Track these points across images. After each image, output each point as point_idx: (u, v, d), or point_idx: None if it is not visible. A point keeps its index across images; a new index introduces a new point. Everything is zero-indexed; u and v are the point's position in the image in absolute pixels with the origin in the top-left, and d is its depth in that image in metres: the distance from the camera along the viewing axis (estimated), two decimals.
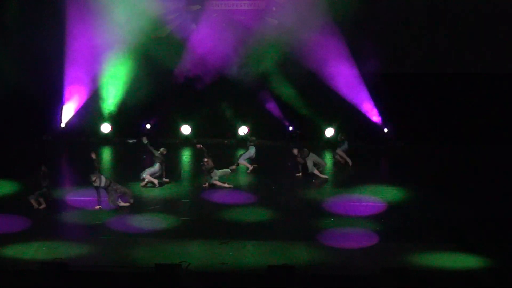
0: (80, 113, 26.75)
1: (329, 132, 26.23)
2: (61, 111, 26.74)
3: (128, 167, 23.59)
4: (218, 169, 22.09)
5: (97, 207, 20.19)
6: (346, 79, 26.50)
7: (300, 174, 23.08)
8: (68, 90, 26.65)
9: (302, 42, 25.94)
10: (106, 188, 20.04)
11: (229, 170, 22.27)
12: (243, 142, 24.91)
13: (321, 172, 23.01)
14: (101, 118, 26.76)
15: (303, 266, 16.69)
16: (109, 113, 26.76)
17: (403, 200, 21.30)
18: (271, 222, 19.69)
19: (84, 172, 20.77)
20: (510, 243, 18.18)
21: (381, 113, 26.70)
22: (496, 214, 20.05)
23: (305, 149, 22.97)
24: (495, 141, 25.94)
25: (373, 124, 26.74)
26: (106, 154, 26.06)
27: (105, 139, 26.64)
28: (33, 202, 20.09)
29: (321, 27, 25.72)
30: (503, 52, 26.73)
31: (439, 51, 26.70)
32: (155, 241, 18.19)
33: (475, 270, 16.75)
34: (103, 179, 20.10)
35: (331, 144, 25.28)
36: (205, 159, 21.85)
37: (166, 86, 26.31)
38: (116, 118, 26.75)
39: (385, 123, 26.67)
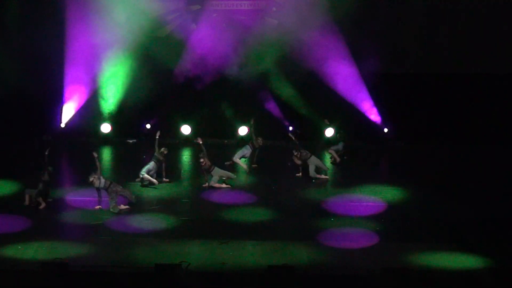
0: (80, 113, 26.74)
1: (329, 132, 26.21)
2: (61, 111, 26.73)
3: (128, 167, 23.57)
4: (219, 168, 22.05)
5: (97, 207, 20.18)
6: (346, 79, 26.50)
7: (300, 174, 23.08)
8: (68, 90, 26.63)
9: (302, 42, 25.93)
10: (106, 189, 20.02)
11: (231, 175, 22.17)
12: (243, 142, 24.98)
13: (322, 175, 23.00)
14: (101, 118, 26.76)
15: (303, 266, 16.69)
16: (109, 113, 26.76)
17: (403, 200, 21.30)
18: (271, 222, 19.69)
19: (84, 172, 20.76)
20: (510, 243, 18.18)
21: (381, 113, 26.70)
22: (496, 214, 20.05)
23: (306, 151, 22.91)
24: (495, 141, 25.93)
25: (373, 124, 26.74)
26: (106, 154, 26.07)
27: (105, 139, 26.64)
28: (27, 198, 20.09)
29: (321, 27, 25.72)
30: (503, 52, 26.73)
31: (439, 51, 26.70)
32: (155, 241, 18.19)
33: (475, 270, 16.75)
34: (103, 180, 20.07)
35: (331, 144, 25.24)
36: (201, 160, 21.84)
37: (166, 86, 26.30)
38: (116, 118, 26.74)
39: (385, 123, 26.67)
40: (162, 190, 21.82)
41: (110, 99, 26.70)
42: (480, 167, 24.09)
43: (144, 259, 17.06)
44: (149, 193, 21.53)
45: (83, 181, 20.99)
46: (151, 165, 22.06)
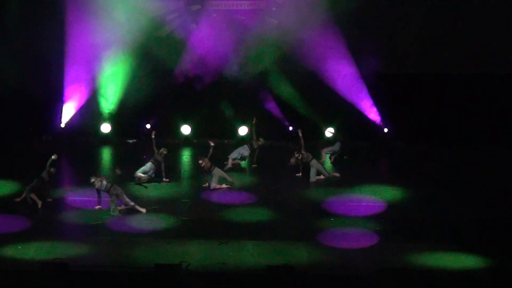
0: (80, 113, 26.75)
1: (329, 132, 26.17)
2: (61, 111, 26.74)
3: (128, 167, 23.54)
4: (219, 168, 22.05)
5: (97, 207, 20.18)
6: (346, 79, 26.51)
7: (300, 174, 23.07)
8: (68, 90, 26.64)
9: (302, 42, 25.93)
10: (107, 191, 19.98)
11: (230, 180, 22.12)
12: (243, 142, 24.99)
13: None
14: (101, 118, 26.76)
15: (303, 266, 16.69)
16: (109, 113, 26.77)
17: (403, 200, 21.30)
18: (271, 222, 19.69)
19: (84, 172, 20.76)
20: (510, 243, 18.18)
21: (381, 113, 26.70)
22: (496, 214, 20.05)
23: (308, 153, 22.85)
24: (495, 141, 25.92)
25: (373, 124, 26.74)
26: (106, 154, 26.08)
27: (105, 139, 26.65)
28: (23, 195, 20.12)
29: (321, 26, 25.72)
30: (503, 52, 26.72)
31: (439, 51, 26.68)
32: (155, 241, 18.19)
33: (475, 270, 16.76)
34: (104, 183, 19.98)
35: (329, 144, 25.22)
36: (200, 161, 21.83)
37: (166, 86, 26.31)
38: (116, 118, 26.75)
39: (385, 123, 26.67)
40: (162, 190, 21.83)
41: (110, 99, 26.70)
42: (480, 167, 24.08)
43: (144, 259, 17.06)
44: (149, 193, 21.53)
45: (83, 181, 20.99)
46: (147, 166, 22.10)
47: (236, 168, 23.64)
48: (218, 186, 21.92)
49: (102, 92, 26.69)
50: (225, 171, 22.47)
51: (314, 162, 22.74)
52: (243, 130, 26.40)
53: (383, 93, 26.20)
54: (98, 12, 25.77)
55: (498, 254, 17.45)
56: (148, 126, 26.57)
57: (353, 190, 21.92)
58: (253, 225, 19.38)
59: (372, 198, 21.30)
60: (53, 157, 20.37)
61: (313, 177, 22.66)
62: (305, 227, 19.19)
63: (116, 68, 26.41)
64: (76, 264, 16.39)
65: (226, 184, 22.10)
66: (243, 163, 23.89)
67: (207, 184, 22.00)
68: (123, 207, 20.05)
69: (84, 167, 23.55)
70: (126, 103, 26.44)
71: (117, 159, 25.67)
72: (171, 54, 26.30)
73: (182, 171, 23.87)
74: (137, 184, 21.93)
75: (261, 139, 23.89)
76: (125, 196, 19.97)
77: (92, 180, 19.99)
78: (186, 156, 25.71)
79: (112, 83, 26.61)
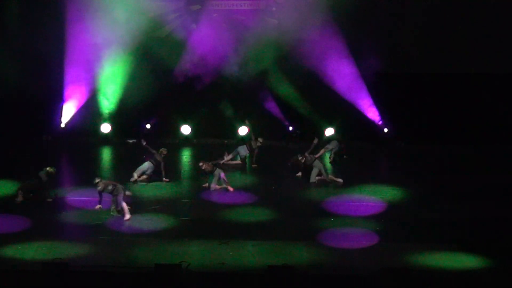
0: (80, 113, 26.75)
1: (329, 132, 26.20)
2: (61, 111, 26.74)
3: (128, 167, 23.54)
4: (221, 170, 22.04)
5: (97, 207, 20.16)
6: (346, 79, 26.51)
7: (300, 174, 23.06)
8: (68, 90, 26.65)
9: (302, 42, 25.94)
10: (110, 192, 19.91)
11: (229, 186, 22.07)
12: (243, 142, 25.01)
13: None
14: (101, 118, 26.77)
15: (303, 266, 16.69)
16: (109, 113, 26.77)
17: (403, 200, 21.30)
18: (271, 222, 19.69)
19: (84, 172, 20.74)
20: (510, 243, 18.18)
21: (381, 112, 26.71)
22: (496, 214, 20.05)
23: (312, 155, 22.82)
24: (495, 141, 25.93)
25: (373, 123, 26.74)
26: (106, 154, 26.07)
27: (105, 139, 26.64)
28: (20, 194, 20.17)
29: (321, 26, 25.73)
30: (503, 52, 26.72)
31: (439, 51, 26.69)
32: (155, 241, 18.19)
33: (475, 270, 16.76)
34: (109, 187, 19.87)
35: (326, 142, 25.18)
36: (200, 164, 21.81)
37: (166, 86, 26.30)
38: (116, 118, 26.74)
39: (385, 123, 26.67)
40: (162, 190, 21.83)
41: (110, 99, 26.70)
42: (480, 166, 24.09)
43: (144, 259, 17.06)
44: (149, 193, 21.53)
45: (83, 181, 20.98)
46: (145, 166, 22.11)
47: (236, 168, 23.63)
48: (218, 186, 21.90)
49: (102, 92, 26.69)
50: (225, 171, 22.45)
51: (317, 162, 22.73)
52: (243, 130, 26.39)
53: (383, 92, 26.21)
54: (98, 12, 25.78)
55: (498, 254, 17.45)
56: (148, 126, 26.57)
57: (353, 190, 21.92)
58: (253, 225, 19.38)
59: (372, 198, 21.30)
60: (48, 168, 20.37)
61: (313, 178, 22.64)
62: (305, 227, 19.18)
63: (116, 68, 26.42)
64: (76, 264, 16.39)
65: (226, 185, 22.06)
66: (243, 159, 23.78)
67: (207, 184, 22.00)
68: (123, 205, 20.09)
69: (84, 167, 23.55)
70: (126, 103, 26.44)
71: (117, 159, 25.68)
72: (171, 54, 26.30)
73: (182, 171, 23.87)
74: (133, 182, 21.94)
75: (260, 140, 23.90)
76: (120, 197, 19.74)
77: (97, 181, 19.90)
78: (186, 156, 25.71)
79: (112, 83, 26.62)
